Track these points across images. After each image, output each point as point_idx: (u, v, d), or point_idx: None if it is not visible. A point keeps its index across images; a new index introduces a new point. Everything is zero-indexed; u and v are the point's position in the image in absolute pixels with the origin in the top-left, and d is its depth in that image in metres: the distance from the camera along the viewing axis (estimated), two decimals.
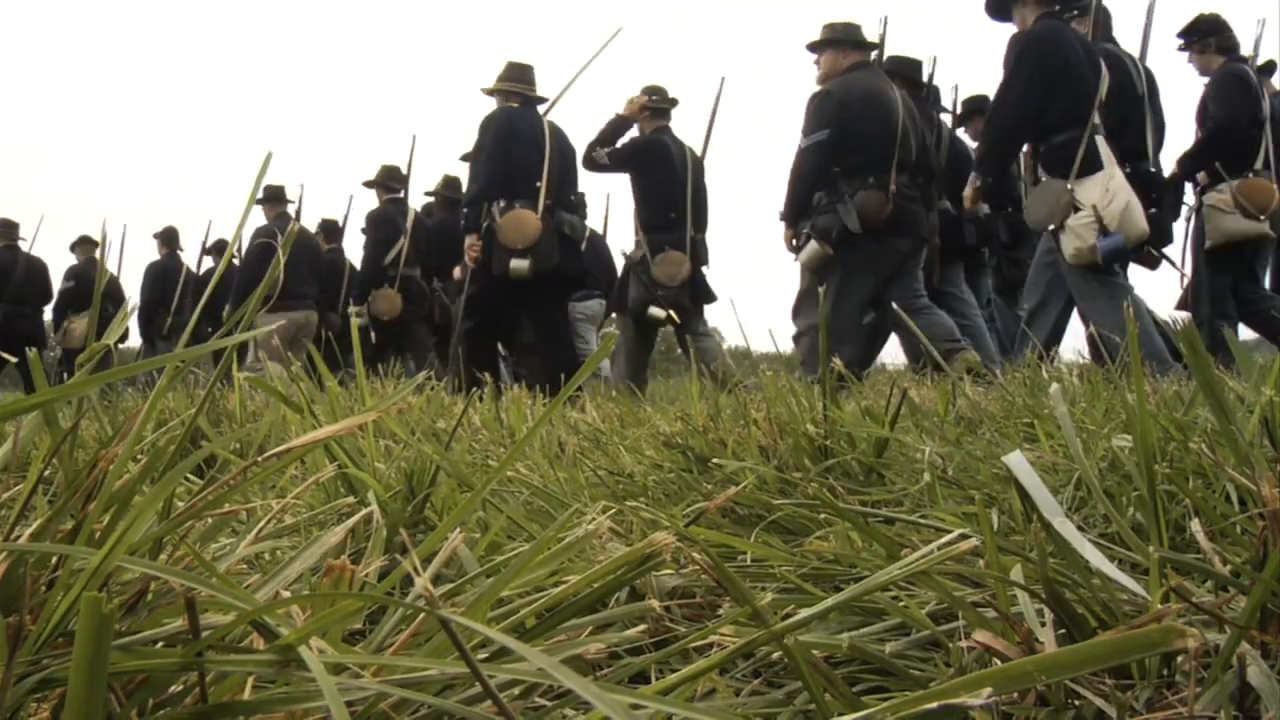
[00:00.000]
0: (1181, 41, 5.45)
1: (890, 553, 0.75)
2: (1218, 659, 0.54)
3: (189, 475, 1.32)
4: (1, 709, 0.43)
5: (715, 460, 1.38)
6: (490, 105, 5.70)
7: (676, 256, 5.90)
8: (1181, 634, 0.41)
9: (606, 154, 6.06)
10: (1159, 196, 4.76)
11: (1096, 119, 4.51)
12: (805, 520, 1.04)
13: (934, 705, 0.42)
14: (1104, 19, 5.00)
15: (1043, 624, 0.61)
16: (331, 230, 8.79)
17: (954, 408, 1.77)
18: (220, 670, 0.47)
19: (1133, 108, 4.77)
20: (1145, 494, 0.78)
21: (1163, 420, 1.08)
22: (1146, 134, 4.76)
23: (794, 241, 5.09)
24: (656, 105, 6.08)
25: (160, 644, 0.50)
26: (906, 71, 5.69)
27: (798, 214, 5.01)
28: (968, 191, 4.98)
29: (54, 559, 0.52)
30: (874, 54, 5.29)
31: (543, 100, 5.76)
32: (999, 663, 0.56)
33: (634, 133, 6.16)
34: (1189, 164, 5.27)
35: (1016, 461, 0.72)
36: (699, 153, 6.26)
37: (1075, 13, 4.79)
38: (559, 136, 5.66)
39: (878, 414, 1.46)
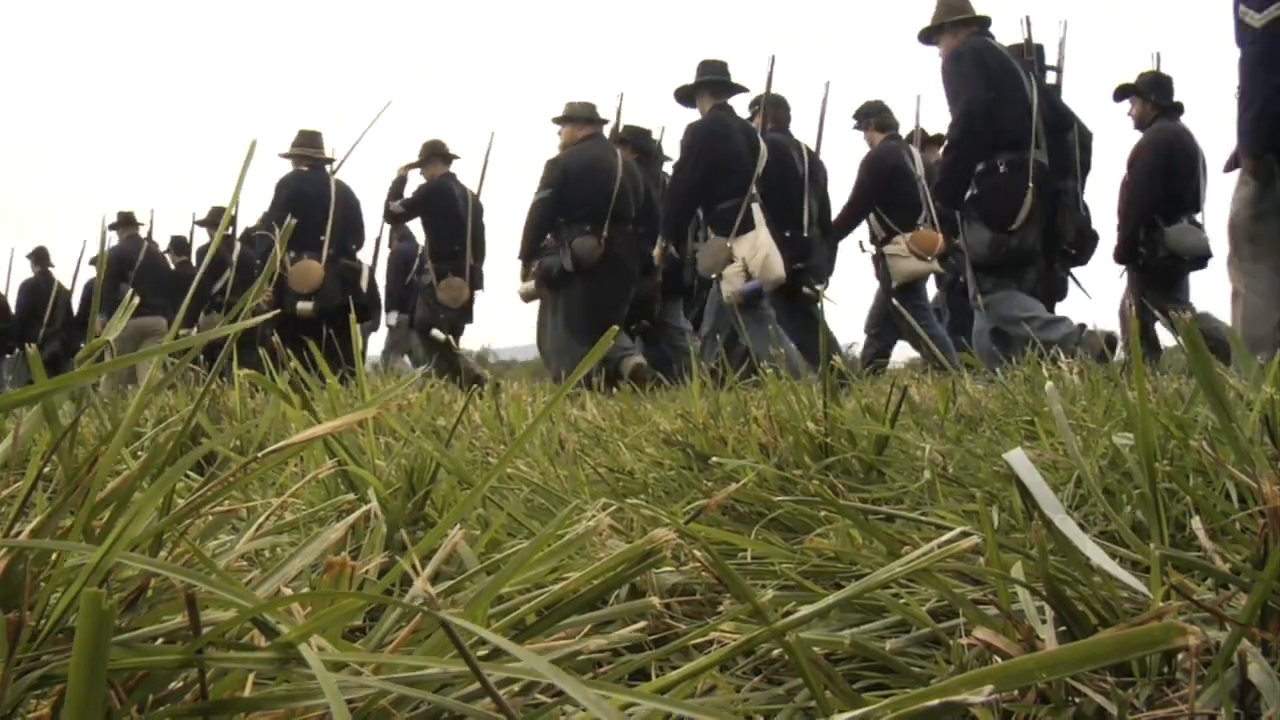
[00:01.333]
0: (855, 121, 7.03)
1: (891, 550, 0.75)
2: (1218, 657, 0.54)
3: (189, 472, 1.32)
4: (1, 706, 0.43)
5: (715, 458, 1.38)
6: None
7: (458, 282, 7.33)
8: (1182, 632, 0.41)
9: (400, 204, 7.51)
10: (809, 254, 6.29)
11: (754, 190, 5.85)
12: (805, 518, 1.04)
13: (935, 703, 0.42)
14: (780, 112, 6.53)
15: (1043, 621, 0.61)
16: (180, 245, 9.98)
17: (954, 405, 1.77)
18: (220, 667, 0.47)
19: (793, 185, 6.22)
20: (1146, 491, 0.78)
21: (1163, 418, 1.08)
22: (804, 205, 6.24)
23: (525, 277, 6.46)
24: (441, 154, 7.54)
25: (160, 641, 0.50)
26: (637, 140, 6.97)
27: (529, 254, 6.40)
28: (656, 250, 6.36)
29: (54, 555, 0.52)
30: (606, 126, 6.67)
31: (330, 160, 7.19)
32: (999, 660, 0.56)
33: (422, 180, 7.58)
34: (840, 226, 6.76)
35: (1017, 459, 0.71)
36: (477, 194, 7.70)
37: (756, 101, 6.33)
38: (344, 193, 7.12)
39: (878, 412, 1.46)
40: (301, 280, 6.83)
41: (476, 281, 7.51)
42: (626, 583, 0.59)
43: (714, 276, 5.90)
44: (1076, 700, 0.55)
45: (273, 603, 0.48)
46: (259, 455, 0.58)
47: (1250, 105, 3.72)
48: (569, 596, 0.57)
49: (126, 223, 9.37)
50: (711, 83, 6.03)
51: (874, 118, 6.93)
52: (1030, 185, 5.07)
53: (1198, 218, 6.06)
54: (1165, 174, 5.94)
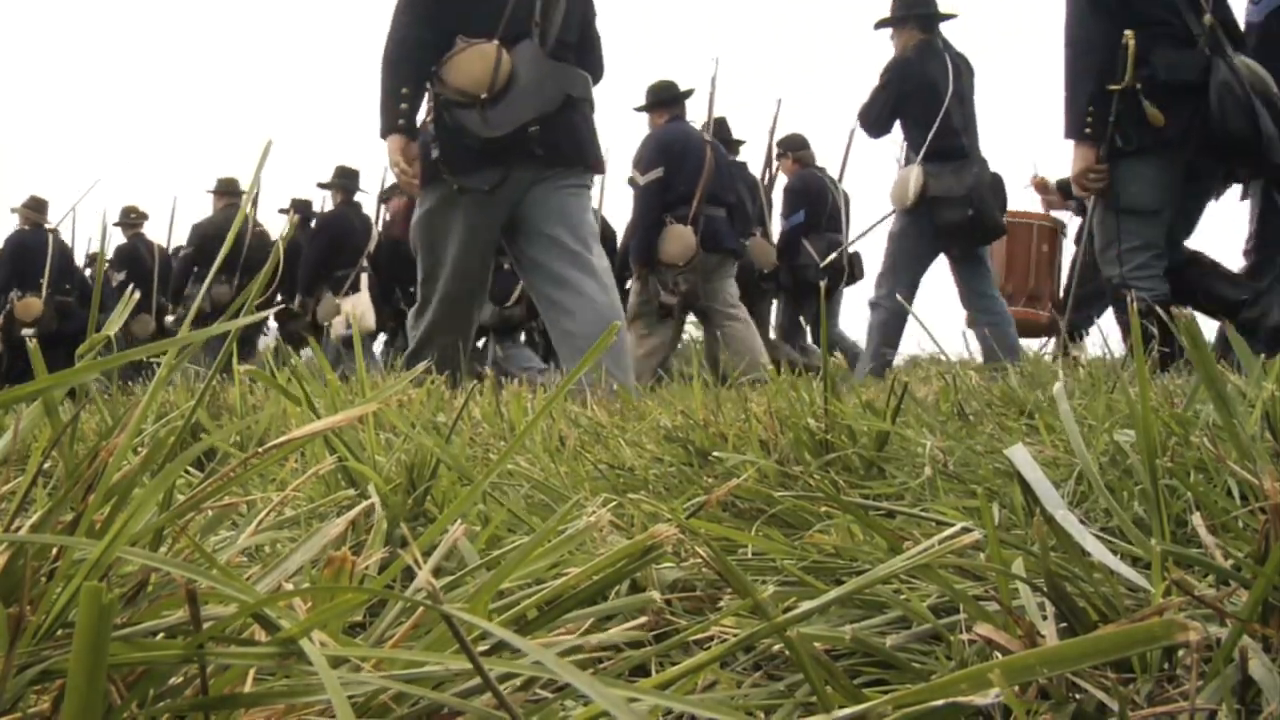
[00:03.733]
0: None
1: (892, 546, 0.75)
2: (1219, 652, 0.54)
3: (189, 468, 1.32)
4: (1, 701, 0.43)
5: (716, 454, 1.38)
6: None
7: None
8: (1183, 627, 0.41)
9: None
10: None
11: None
12: (806, 514, 1.04)
13: (939, 703, 0.42)
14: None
15: (1044, 617, 0.60)
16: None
17: (954, 401, 1.77)
18: (221, 662, 0.47)
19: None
20: (1148, 487, 0.77)
21: (1164, 415, 1.08)
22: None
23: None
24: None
25: (161, 636, 0.50)
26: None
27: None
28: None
29: (54, 550, 0.52)
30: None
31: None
32: (1000, 656, 0.56)
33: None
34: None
35: (1018, 454, 0.71)
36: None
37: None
38: (59, 246, 8.50)
39: (879, 408, 1.46)
40: (24, 313, 8.51)
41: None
42: (627, 578, 0.59)
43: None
44: (1077, 696, 0.55)
45: (273, 597, 0.48)
46: (259, 451, 0.58)
47: None
48: (569, 592, 0.57)
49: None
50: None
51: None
52: None
53: None
54: None
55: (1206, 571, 0.70)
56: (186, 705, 0.47)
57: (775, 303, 7.83)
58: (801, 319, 7.85)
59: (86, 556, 0.48)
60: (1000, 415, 1.69)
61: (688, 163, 6.23)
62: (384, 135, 3.90)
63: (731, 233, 6.45)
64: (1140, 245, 3.81)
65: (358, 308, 7.79)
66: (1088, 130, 3.74)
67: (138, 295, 0.76)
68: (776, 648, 0.66)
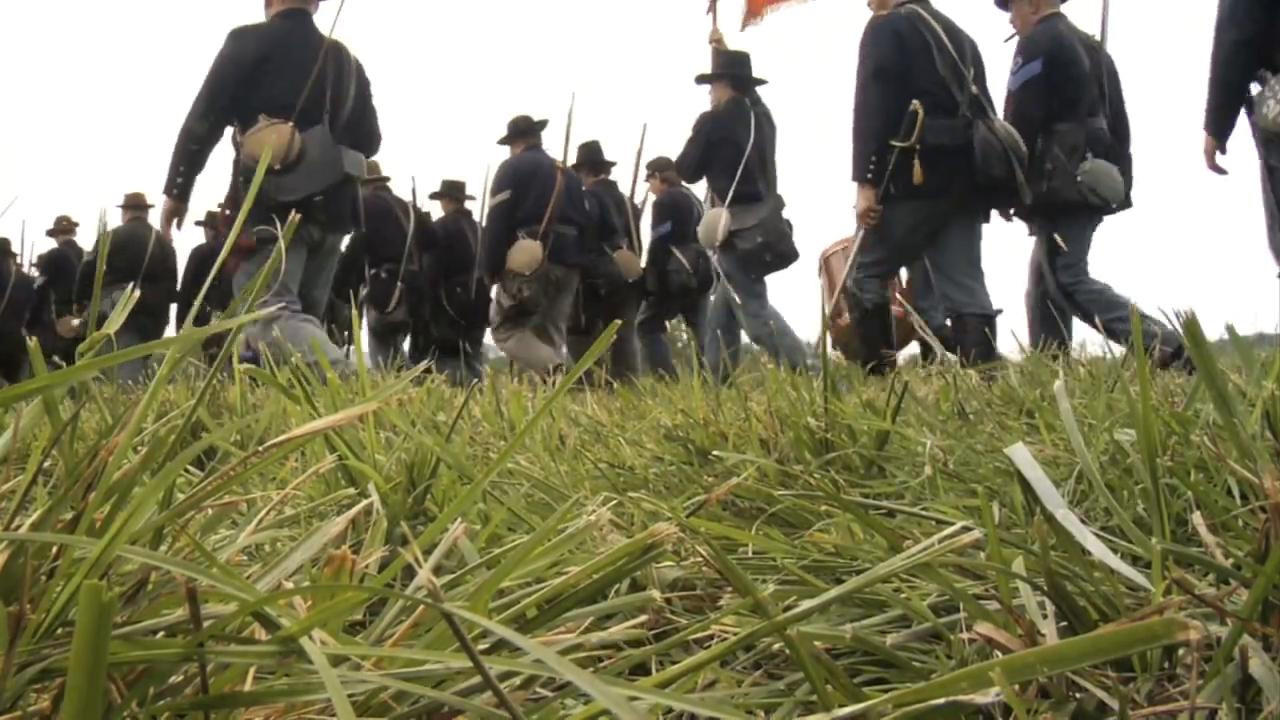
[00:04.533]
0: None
1: (892, 545, 0.75)
2: (1220, 651, 0.54)
3: (189, 467, 1.32)
4: (2, 699, 0.43)
5: (716, 453, 1.38)
6: None
7: None
8: (1184, 626, 0.41)
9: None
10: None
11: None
12: (806, 513, 1.04)
13: (940, 701, 0.42)
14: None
15: (1045, 616, 0.60)
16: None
17: (954, 400, 1.77)
18: (221, 661, 0.47)
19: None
20: (1149, 486, 0.77)
21: (1164, 414, 1.08)
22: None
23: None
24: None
25: (161, 634, 0.50)
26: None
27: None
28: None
29: (54, 549, 0.52)
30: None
31: None
32: (1001, 655, 0.56)
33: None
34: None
35: (1019, 453, 0.71)
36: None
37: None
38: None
39: (879, 407, 1.46)
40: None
41: None
42: (627, 577, 0.59)
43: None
44: (1078, 695, 0.55)
45: (273, 596, 0.48)
46: (259, 450, 0.58)
47: None
48: (570, 590, 0.57)
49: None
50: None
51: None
52: None
53: None
54: None
55: (1207, 570, 0.70)
56: (187, 704, 0.47)
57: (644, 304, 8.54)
58: (666, 319, 8.68)
59: (86, 555, 0.48)
60: (1000, 414, 1.69)
61: (534, 186, 7.03)
62: (165, 193, 5.04)
63: (578, 249, 7.21)
64: (874, 263, 5.01)
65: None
66: (870, 176, 4.82)
67: (137, 294, 0.76)
68: (777, 646, 0.66)
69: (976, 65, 4.94)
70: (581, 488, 1.26)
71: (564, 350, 7.41)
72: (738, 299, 6.23)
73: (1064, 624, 0.61)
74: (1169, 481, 0.91)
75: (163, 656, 0.47)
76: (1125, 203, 5.27)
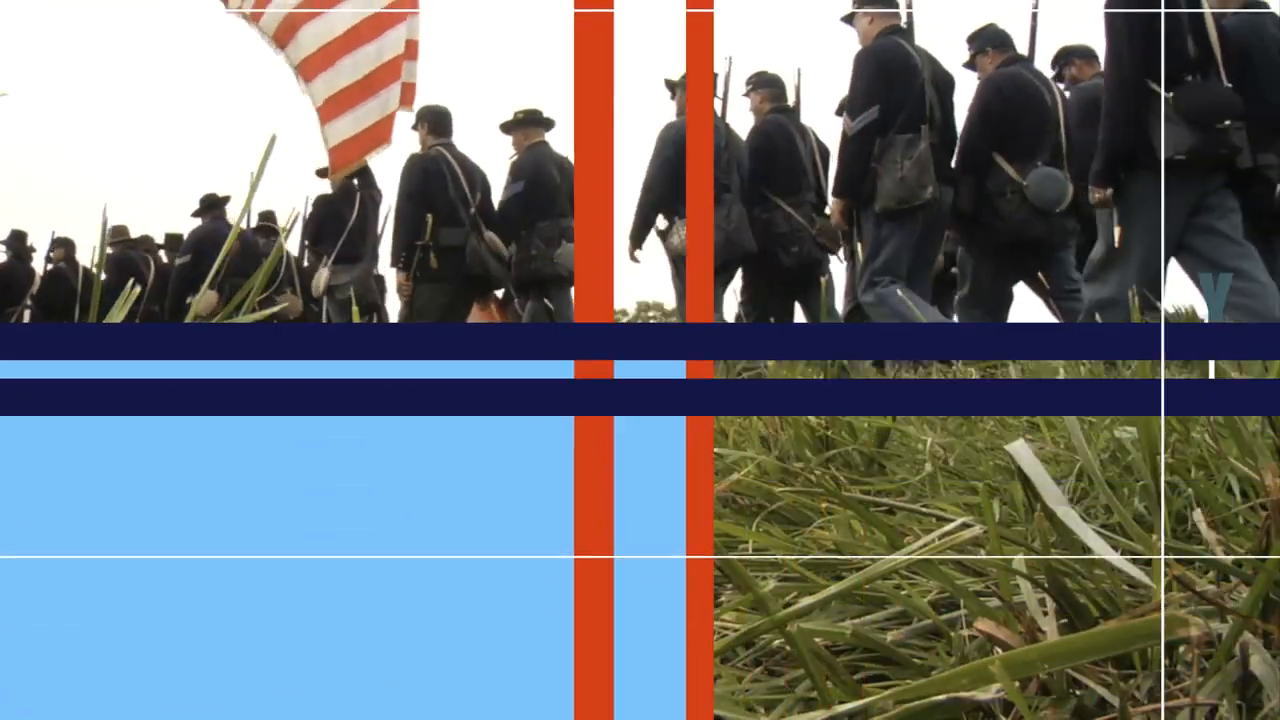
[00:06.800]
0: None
1: (892, 542, 0.75)
2: (1220, 648, 0.54)
3: None
4: None
5: (716, 450, 1.38)
6: None
7: None
8: (1184, 623, 0.41)
9: None
10: None
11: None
12: (807, 509, 1.04)
13: (941, 698, 0.42)
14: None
15: (1045, 613, 0.60)
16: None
17: None
18: None
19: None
20: (1149, 483, 0.78)
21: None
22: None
23: None
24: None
25: None
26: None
27: None
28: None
29: None
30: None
31: None
32: (1001, 651, 0.56)
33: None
34: None
35: (1019, 449, 0.71)
36: None
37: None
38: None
39: None
40: None
41: None
42: None
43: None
44: (1078, 692, 0.55)
45: None
46: None
47: None
48: None
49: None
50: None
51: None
52: None
53: None
54: None
55: (1207, 568, 0.70)
56: None
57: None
58: None
59: None
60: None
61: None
62: None
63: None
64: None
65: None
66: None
67: (137, 290, 0.76)
68: (777, 643, 0.66)
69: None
70: None
71: None
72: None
73: (1064, 621, 0.61)
74: (1169, 479, 0.91)
75: None
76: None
